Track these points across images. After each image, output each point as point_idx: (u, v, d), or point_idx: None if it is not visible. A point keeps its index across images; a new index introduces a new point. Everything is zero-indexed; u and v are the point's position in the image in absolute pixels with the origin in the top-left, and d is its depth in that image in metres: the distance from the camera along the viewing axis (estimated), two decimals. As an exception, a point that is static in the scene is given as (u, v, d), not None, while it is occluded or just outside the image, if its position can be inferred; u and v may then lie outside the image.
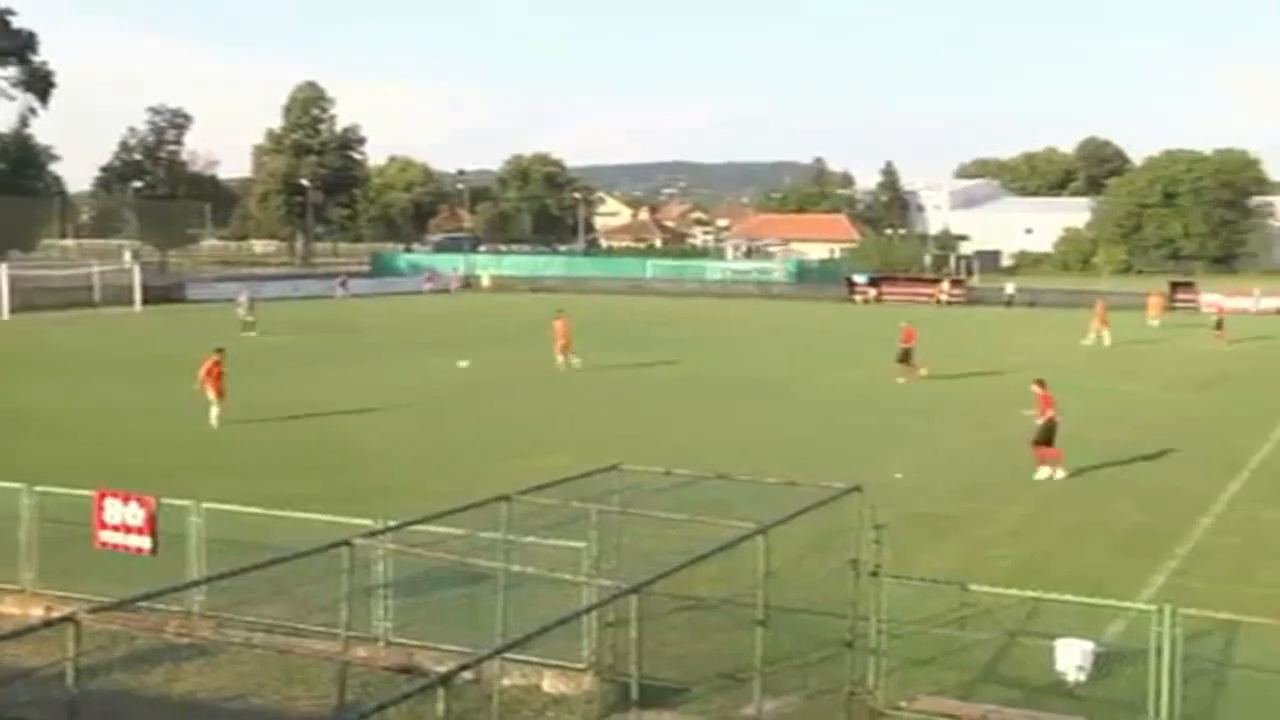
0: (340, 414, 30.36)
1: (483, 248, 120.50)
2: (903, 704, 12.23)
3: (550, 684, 12.67)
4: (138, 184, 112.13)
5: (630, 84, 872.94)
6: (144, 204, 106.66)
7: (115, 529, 14.21)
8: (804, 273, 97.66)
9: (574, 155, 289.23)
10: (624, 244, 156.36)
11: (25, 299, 65.74)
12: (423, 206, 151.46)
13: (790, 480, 13.80)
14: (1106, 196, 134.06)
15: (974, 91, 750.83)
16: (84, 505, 14.73)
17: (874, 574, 12.14)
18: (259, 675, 12.89)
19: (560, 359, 40.73)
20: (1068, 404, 32.81)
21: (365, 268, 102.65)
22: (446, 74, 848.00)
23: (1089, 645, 12.70)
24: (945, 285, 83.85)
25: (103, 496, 14.41)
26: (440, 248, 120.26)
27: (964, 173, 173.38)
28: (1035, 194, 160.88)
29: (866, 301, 79.89)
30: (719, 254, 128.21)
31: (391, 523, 12.09)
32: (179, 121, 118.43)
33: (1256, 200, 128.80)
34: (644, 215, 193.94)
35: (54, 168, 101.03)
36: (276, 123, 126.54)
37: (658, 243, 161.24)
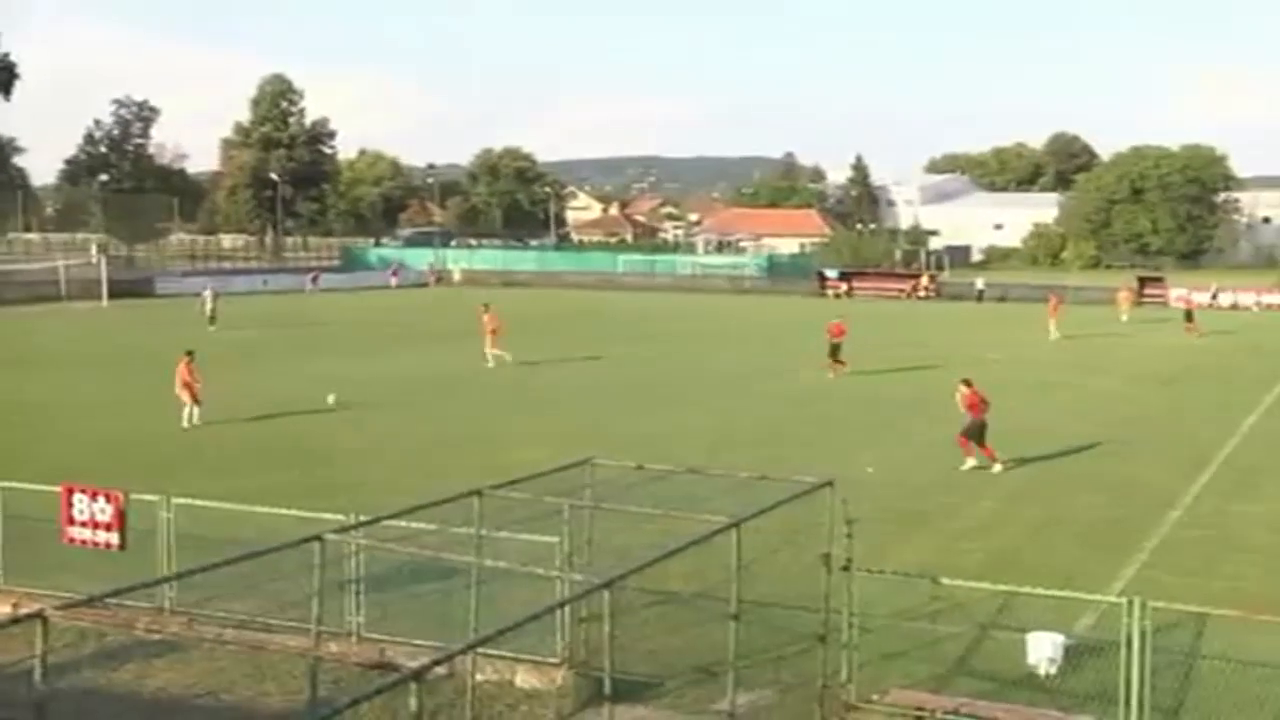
0: (310, 410, 30.18)
1: (454, 242, 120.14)
2: (875, 697, 12.29)
3: (524, 679, 12.65)
4: (104, 177, 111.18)
5: (600, 78, 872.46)
6: (110, 197, 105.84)
7: (83, 524, 14.09)
8: (775, 267, 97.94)
9: (545, 150, 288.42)
10: (595, 238, 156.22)
11: (-10, 292, 65.34)
12: (392, 201, 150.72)
13: (762, 474, 13.79)
14: (1075, 192, 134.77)
15: (944, 87, 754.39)
16: (51, 500, 14.59)
17: (846, 568, 12.17)
18: (230, 671, 12.83)
19: (490, 353, 39.30)
20: (1037, 399, 33.29)
21: (336, 262, 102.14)
22: (416, 68, 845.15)
23: (1060, 638, 12.78)
24: (925, 280, 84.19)
25: (70, 491, 14.27)
26: (411, 242, 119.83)
27: (934, 168, 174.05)
28: (1005, 189, 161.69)
29: (838, 296, 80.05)
30: (690, 249, 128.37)
31: (363, 517, 12.04)
32: (146, 114, 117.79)
33: (1223, 196, 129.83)
34: (615, 210, 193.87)
35: (18, 160, 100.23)
36: (245, 116, 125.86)
37: (629, 237, 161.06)
